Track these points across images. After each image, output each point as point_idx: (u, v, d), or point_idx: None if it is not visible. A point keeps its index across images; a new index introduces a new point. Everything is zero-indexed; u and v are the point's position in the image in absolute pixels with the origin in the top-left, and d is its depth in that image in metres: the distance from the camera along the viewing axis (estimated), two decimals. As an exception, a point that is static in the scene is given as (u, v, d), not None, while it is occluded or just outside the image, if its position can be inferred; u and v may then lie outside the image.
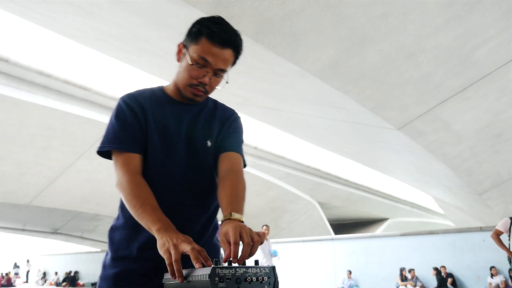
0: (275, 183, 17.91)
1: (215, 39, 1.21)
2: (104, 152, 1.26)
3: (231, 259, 0.94)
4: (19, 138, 11.84)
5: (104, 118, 11.53)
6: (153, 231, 1.06)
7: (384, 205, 24.05)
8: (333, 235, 16.24)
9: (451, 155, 8.10)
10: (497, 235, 5.76)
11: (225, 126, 1.38)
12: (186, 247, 0.96)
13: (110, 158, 1.27)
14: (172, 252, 0.96)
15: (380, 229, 25.82)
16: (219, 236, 1.07)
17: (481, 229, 9.64)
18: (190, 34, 1.25)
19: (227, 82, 1.30)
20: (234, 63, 1.30)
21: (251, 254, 0.97)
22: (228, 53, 1.24)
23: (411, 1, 4.51)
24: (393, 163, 11.34)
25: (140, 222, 1.12)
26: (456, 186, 10.14)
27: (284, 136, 13.33)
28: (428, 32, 5.02)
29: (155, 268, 1.21)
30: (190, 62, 1.23)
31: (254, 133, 14.38)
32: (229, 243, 0.98)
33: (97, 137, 12.37)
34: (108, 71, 10.72)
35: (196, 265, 0.93)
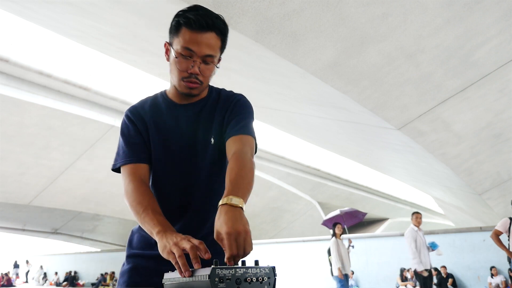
0: (275, 183, 17.92)
1: (193, 25, 1.18)
2: (118, 168, 1.32)
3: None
4: (19, 138, 11.85)
5: (104, 118, 11.55)
6: (154, 235, 1.08)
7: (384, 205, 24.05)
8: (333, 235, 16.20)
9: (451, 155, 8.10)
10: (496, 235, 5.77)
11: (227, 114, 1.34)
12: (186, 245, 0.97)
13: None
14: (174, 250, 0.98)
15: (380, 229, 25.81)
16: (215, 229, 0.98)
17: (481, 229, 9.65)
18: (171, 29, 1.24)
19: (217, 67, 1.27)
20: (223, 47, 1.25)
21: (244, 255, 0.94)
22: (211, 36, 1.20)
23: (411, 1, 4.51)
24: (393, 163, 11.34)
25: (144, 228, 1.15)
26: (456, 186, 10.14)
27: (284, 136, 13.33)
28: (428, 32, 5.02)
29: (163, 263, 1.23)
30: (175, 56, 1.22)
31: (254, 133, 14.35)
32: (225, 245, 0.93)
33: (97, 137, 12.38)
34: (108, 71, 10.73)
35: (195, 266, 0.94)
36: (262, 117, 9.00)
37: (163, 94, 1.38)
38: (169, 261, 1.24)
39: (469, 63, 5.70)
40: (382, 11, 4.55)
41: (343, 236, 7.57)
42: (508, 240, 5.68)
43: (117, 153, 1.32)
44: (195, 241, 0.99)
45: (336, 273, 6.91)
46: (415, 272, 6.18)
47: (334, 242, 7.10)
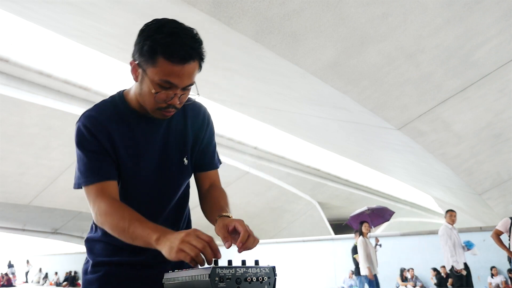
0: (275, 183, 17.91)
1: (174, 58, 1.04)
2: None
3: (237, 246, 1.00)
4: (19, 138, 11.84)
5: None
6: (153, 244, 1.01)
7: (384, 205, 23.99)
8: (333, 235, 16.25)
9: (451, 155, 8.10)
10: (497, 235, 5.77)
11: (199, 135, 1.29)
12: (197, 243, 0.94)
13: None
14: (186, 249, 0.93)
15: (380, 229, 25.80)
16: (216, 229, 1.08)
17: (481, 229, 9.63)
18: (142, 53, 1.08)
19: (198, 95, 1.18)
20: (200, 69, 1.14)
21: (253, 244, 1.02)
22: (193, 66, 1.08)
23: (411, 1, 4.51)
24: (393, 163, 11.34)
25: (136, 242, 1.06)
26: (456, 186, 10.14)
27: (284, 136, 13.33)
28: (428, 32, 5.02)
29: (134, 269, 1.25)
30: (153, 90, 1.09)
31: (254, 133, 14.38)
32: (229, 232, 1.03)
33: (97, 137, 12.36)
34: (108, 71, 10.72)
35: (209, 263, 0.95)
36: (262, 117, 9.00)
37: (124, 102, 1.23)
38: (140, 267, 1.23)
39: (469, 63, 5.69)
40: (382, 11, 4.55)
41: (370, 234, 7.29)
42: (509, 240, 5.68)
43: (79, 170, 1.17)
44: (204, 236, 0.96)
45: (365, 272, 6.69)
46: (451, 271, 5.98)
47: (362, 241, 6.85)
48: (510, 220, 5.75)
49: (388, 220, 9.06)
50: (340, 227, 25.65)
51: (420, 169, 10.41)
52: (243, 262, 0.92)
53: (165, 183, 1.25)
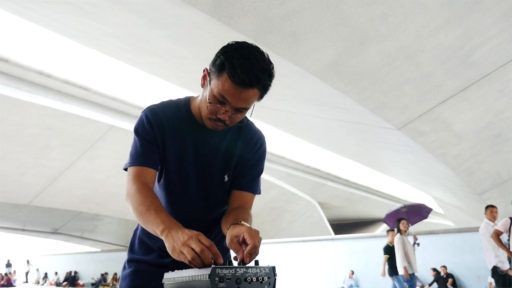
0: (275, 183, 17.92)
1: (235, 78, 1.10)
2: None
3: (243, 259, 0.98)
4: (19, 138, 11.84)
5: (104, 118, 11.55)
6: (159, 235, 1.06)
7: (384, 205, 24.04)
8: (333, 235, 16.23)
9: (451, 155, 8.10)
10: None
11: (247, 156, 1.35)
12: (196, 247, 0.95)
13: None
14: (185, 251, 0.96)
15: (380, 229, 25.81)
16: (227, 241, 1.08)
17: (481, 229, 9.64)
18: (214, 64, 1.15)
19: (247, 121, 1.26)
20: (261, 97, 1.21)
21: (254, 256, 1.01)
22: (252, 93, 1.14)
23: (411, 1, 4.51)
24: (393, 163, 11.34)
25: (147, 228, 1.12)
26: (456, 186, 10.14)
27: (284, 136, 13.33)
28: (428, 32, 5.02)
29: (163, 268, 1.30)
30: (208, 99, 1.16)
31: (254, 133, 14.34)
32: (240, 244, 1.02)
33: (97, 137, 12.37)
34: (108, 71, 10.72)
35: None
36: (262, 117, 9.00)
37: (187, 107, 1.31)
38: (165, 268, 1.28)
39: (469, 63, 5.69)
40: (382, 11, 4.55)
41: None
42: (509, 240, 5.67)
43: (130, 153, 1.28)
44: (205, 241, 0.98)
45: (401, 272, 6.55)
46: (494, 271, 5.62)
47: (399, 239, 6.63)
48: (510, 220, 5.73)
49: (426, 218, 8.78)
50: (340, 227, 25.64)
51: (420, 169, 10.41)
52: (243, 262, 0.92)
53: (201, 193, 1.31)
